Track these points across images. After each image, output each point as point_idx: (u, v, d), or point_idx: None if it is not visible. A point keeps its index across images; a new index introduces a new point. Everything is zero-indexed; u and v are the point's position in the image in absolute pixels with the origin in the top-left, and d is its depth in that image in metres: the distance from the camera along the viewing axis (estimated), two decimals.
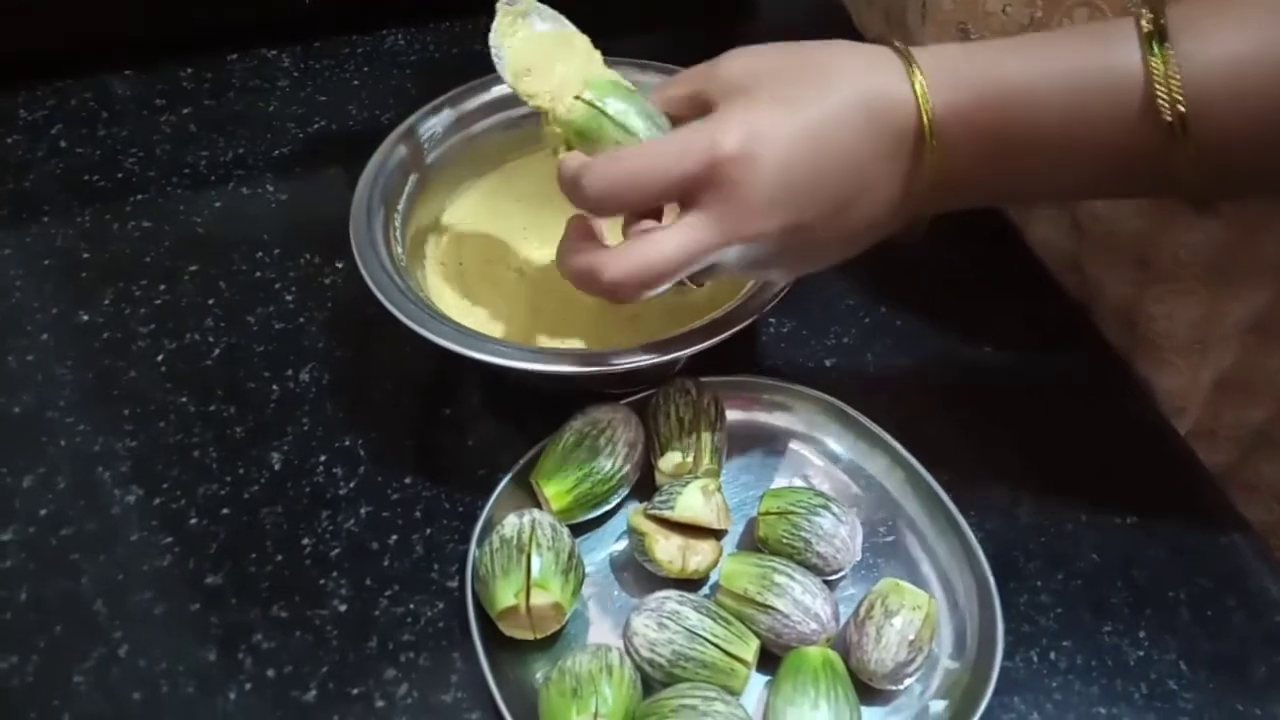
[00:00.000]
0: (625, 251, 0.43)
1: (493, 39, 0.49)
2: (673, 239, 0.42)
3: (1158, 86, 0.40)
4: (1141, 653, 0.47)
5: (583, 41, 0.50)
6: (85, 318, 0.59)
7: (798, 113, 0.42)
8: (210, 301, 0.60)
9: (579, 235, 0.45)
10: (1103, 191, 0.51)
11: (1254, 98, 0.40)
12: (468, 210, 0.61)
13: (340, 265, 0.62)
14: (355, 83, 0.74)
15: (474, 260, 0.58)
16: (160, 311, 0.59)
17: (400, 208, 0.56)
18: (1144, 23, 0.41)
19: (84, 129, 0.70)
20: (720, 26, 0.79)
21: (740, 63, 0.45)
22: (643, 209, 0.45)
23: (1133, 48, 0.41)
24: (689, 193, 0.42)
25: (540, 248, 0.59)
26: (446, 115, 0.59)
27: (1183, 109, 0.40)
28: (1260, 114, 0.40)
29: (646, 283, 0.43)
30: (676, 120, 0.47)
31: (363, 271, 0.51)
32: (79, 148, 0.69)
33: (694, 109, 0.45)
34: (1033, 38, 0.44)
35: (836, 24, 0.75)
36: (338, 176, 0.67)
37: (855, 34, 0.74)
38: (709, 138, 0.42)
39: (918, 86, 0.42)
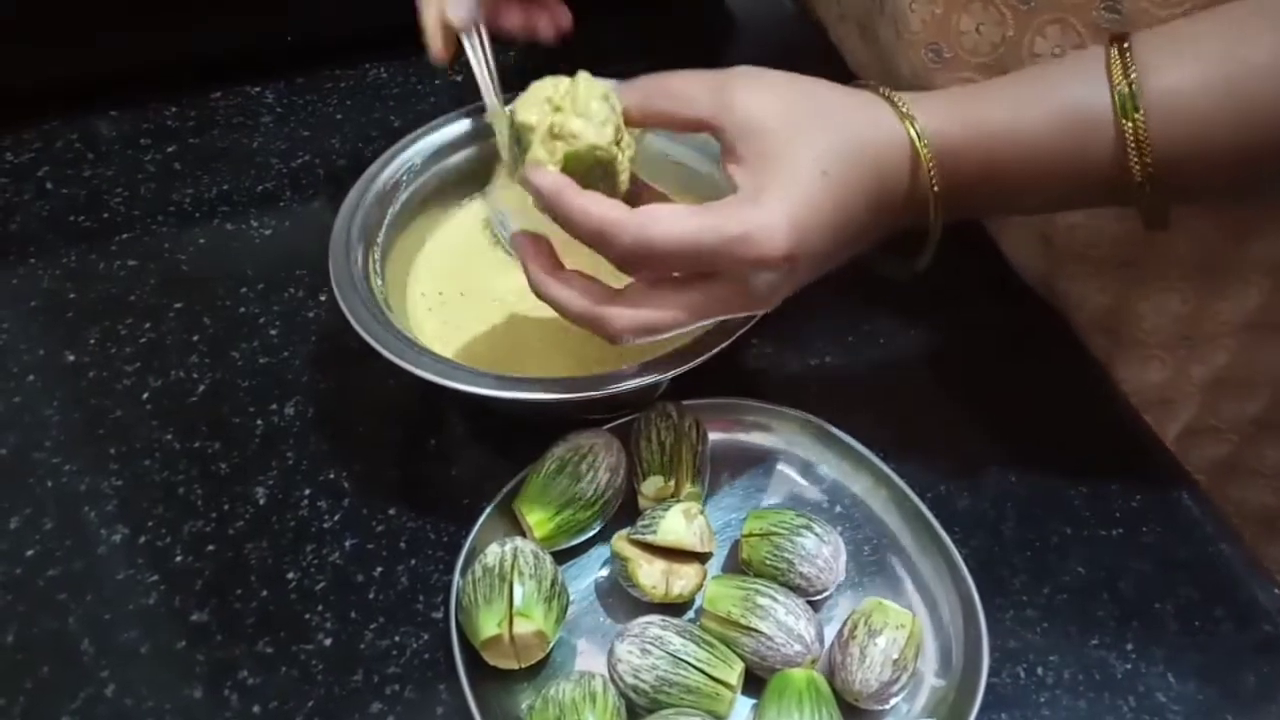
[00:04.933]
0: (633, 304, 0.44)
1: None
2: (686, 303, 0.43)
3: (1130, 151, 0.42)
4: (1129, 665, 0.47)
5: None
6: (71, 358, 0.59)
7: (828, 188, 0.43)
8: (195, 338, 0.60)
9: (583, 285, 0.45)
10: (1069, 208, 0.55)
11: (1214, 136, 0.42)
12: (447, 240, 0.61)
13: (323, 299, 0.62)
14: (339, 116, 0.75)
15: (454, 290, 0.59)
16: (145, 349, 0.60)
17: (380, 240, 0.56)
18: (1117, 80, 0.42)
19: (69, 170, 0.71)
20: (700, 49, 0.80)
21: (756, 101, 0.44)
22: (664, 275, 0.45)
23: (1104, 97, 0.43)
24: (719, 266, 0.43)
25: (520, 276, 0.59)
26: (424, 146, 0.60)
27: (1152, 171, 0.42)
28: (1216, 153, 0.43)
29: (649, 334, 0.44)
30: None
31: (342, 305, 0.51)
32: (64, 188, 0.69)
33: (699, 129, 0.45)
34: (1011, 79, 0.46)
35: (813, 41, 0.75)
36: (321, 210, 0.67)
37: (831, 48, 0.74)
38: (756, 237, 0.41)
39: (909, 126, 0.44)
